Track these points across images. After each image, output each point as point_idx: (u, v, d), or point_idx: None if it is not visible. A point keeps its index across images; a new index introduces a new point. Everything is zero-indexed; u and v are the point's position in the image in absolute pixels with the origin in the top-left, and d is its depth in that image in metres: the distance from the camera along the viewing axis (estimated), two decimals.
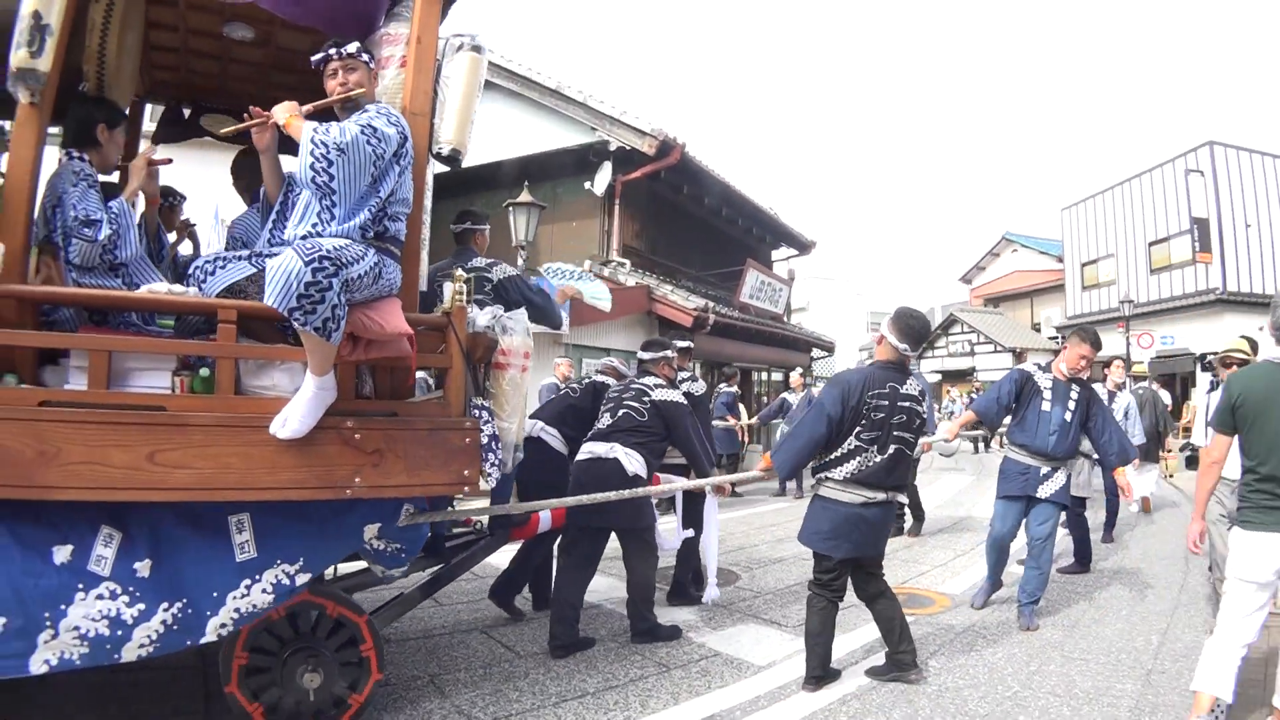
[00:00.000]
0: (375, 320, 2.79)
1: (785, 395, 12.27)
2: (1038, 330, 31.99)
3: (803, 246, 22.60)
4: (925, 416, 4.29)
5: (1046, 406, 5.11)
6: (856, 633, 4.80)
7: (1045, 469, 5.09)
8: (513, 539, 4.64)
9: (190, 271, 2.93)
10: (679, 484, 4.93)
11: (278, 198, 3.28)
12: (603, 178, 13.77)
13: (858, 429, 3.87)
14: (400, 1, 3.54)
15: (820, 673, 3.96)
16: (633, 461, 4.52)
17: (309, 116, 3.01)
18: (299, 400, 2.74)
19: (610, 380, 5.37)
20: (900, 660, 4.04)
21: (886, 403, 3.90)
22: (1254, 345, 5.83)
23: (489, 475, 3.25)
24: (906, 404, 3.96)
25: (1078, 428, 5.12)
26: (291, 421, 2.72)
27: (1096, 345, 5.19)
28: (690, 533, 5.27)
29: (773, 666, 4.27)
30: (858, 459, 3.87)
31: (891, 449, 3.90)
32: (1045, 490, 5.09)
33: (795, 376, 12.67)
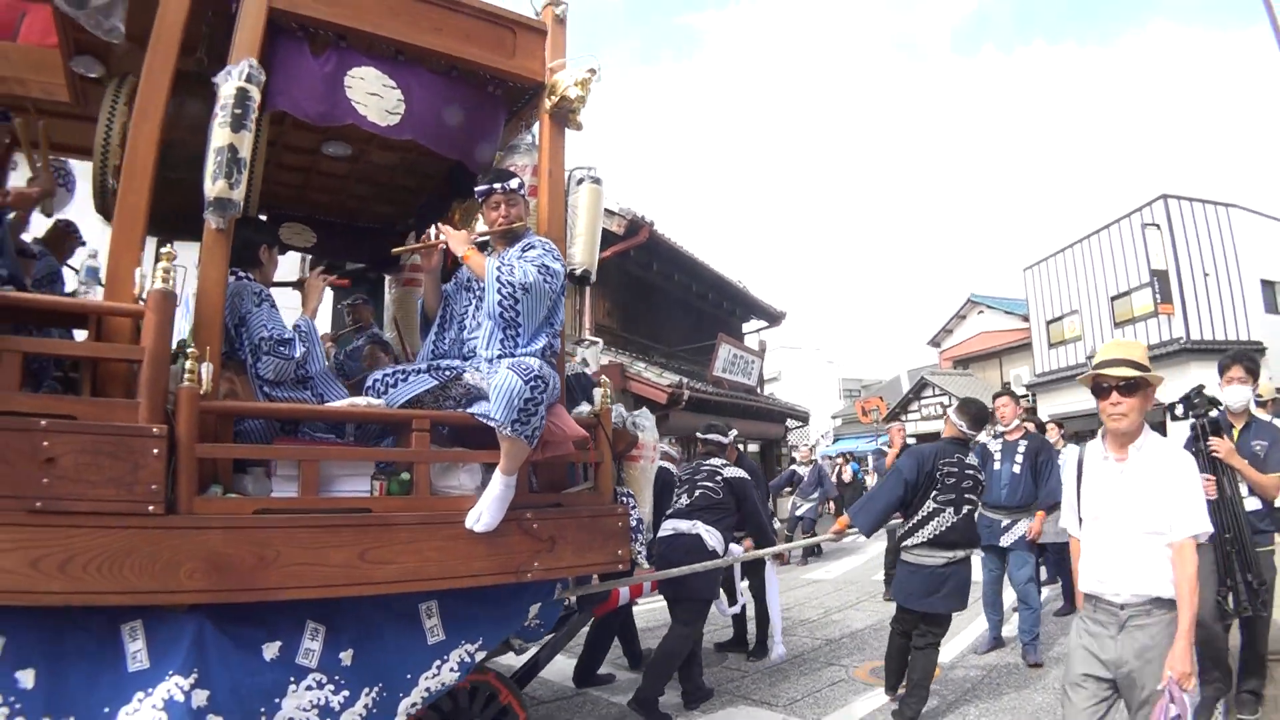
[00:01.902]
0: (556, 425, 3.30)
1: (794, 467, 12.85)
2: (1008, 389, 33.08)
3: (773, 318, 23.39)
4: (984, 482, 5.06)
5: (998, 465, 6.19)
6: (869, 695, 5.21)
7: (1005, 520, 6.09)
8: (595, 614, 5.04)
9: (370, 384, 3.38)
10: (762, 551, 5.51)
11: (437, 312, 3.72)
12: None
13: (934, 492, 4.64)
14: (516, 136, 4.14)
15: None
16: (712, 537, 5.08)
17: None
18: (489, 497, 3.21)
19: (671, 466, 5.91)
20: (901, 711, 4.73)
21: (956, 470, 4.69)
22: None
23: (638, 554, 3.71)
24: (970, 472, 4.79)
25: (1029, 477, 6.10)
26: (485, 516, 3.19)
27: (1012, 395, 6.71)
28: (743, 600, 5.94)
29: None
30: (935, 520, 4.62)
31: (965, 510, 4.68)
32: (1007, 539, 6.09)
33: (804, 450, 13.28)
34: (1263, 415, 4.43)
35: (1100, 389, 3.00)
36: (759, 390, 20.61)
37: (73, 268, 3.99)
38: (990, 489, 5.93)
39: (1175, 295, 22.65)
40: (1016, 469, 6.12)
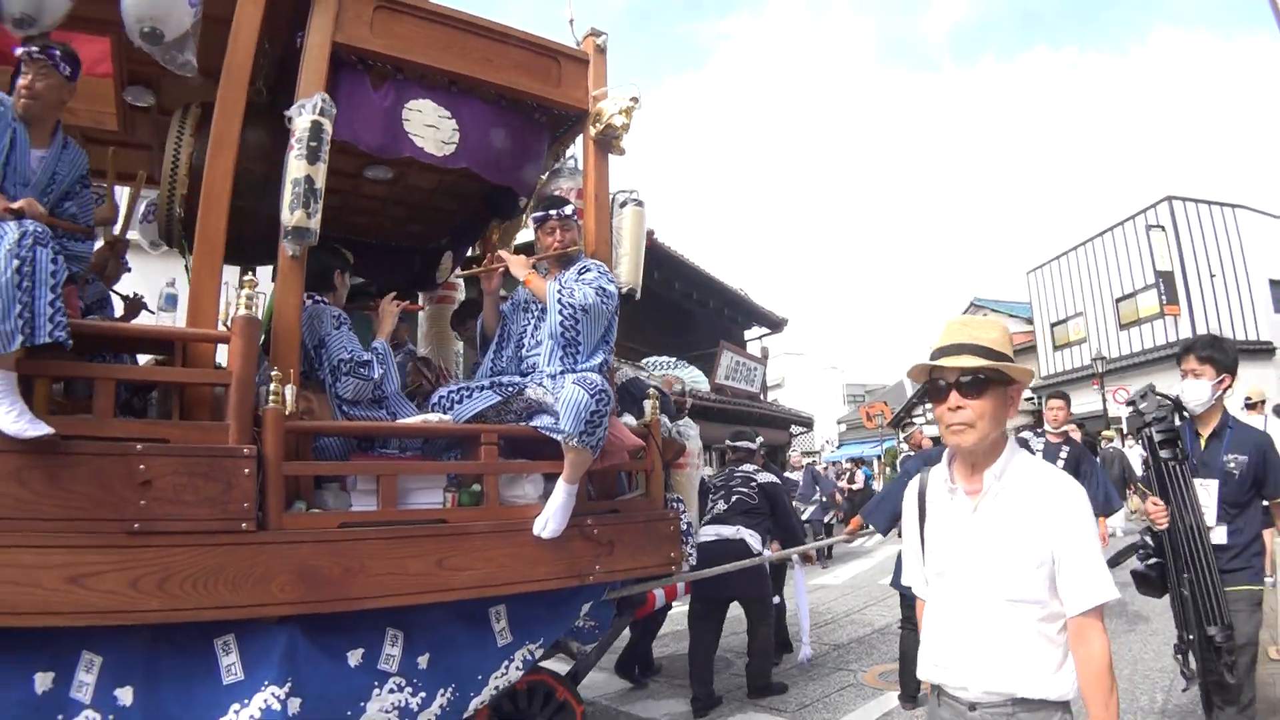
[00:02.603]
0: (614, 435, 3.51)
1: (787, 474, 13.08)
2: None
3: (775, 324, 23.64)
4: None
5: None
6: (878, 700, 5.37)
7: None
8: (637, 616, 5.27)
9: (435, 401, 3.59)
10: (789, 551, 5.80)
11: (496, 330, 3.94)
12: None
13: None
14: (557, 160, 4.44)
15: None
16: (754, 540, 5.39)
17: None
18: (554, 505, 3.43)
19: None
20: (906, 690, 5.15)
21: None
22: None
23: (688, 556, 3.93)
24: None
25: None
26: (551, 523, 3.41)
27: (1065, 399, 6.57)
28: (777, 600, 6.20)
29: None
30: None
31: None
32: None
33: (795, 455, 13.49)
34: (1253, 417, 4.52)
35: (936, 388, 2.06)
36: (762, 397, 20.85)
37: (119, 293, 4.18)
38: None
39: (1181, 296, 22.92)
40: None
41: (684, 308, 19.05)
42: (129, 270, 4.29)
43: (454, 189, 5.09)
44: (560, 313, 3.60)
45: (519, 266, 3.79)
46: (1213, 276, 23.08)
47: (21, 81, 3.05)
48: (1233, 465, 3.46)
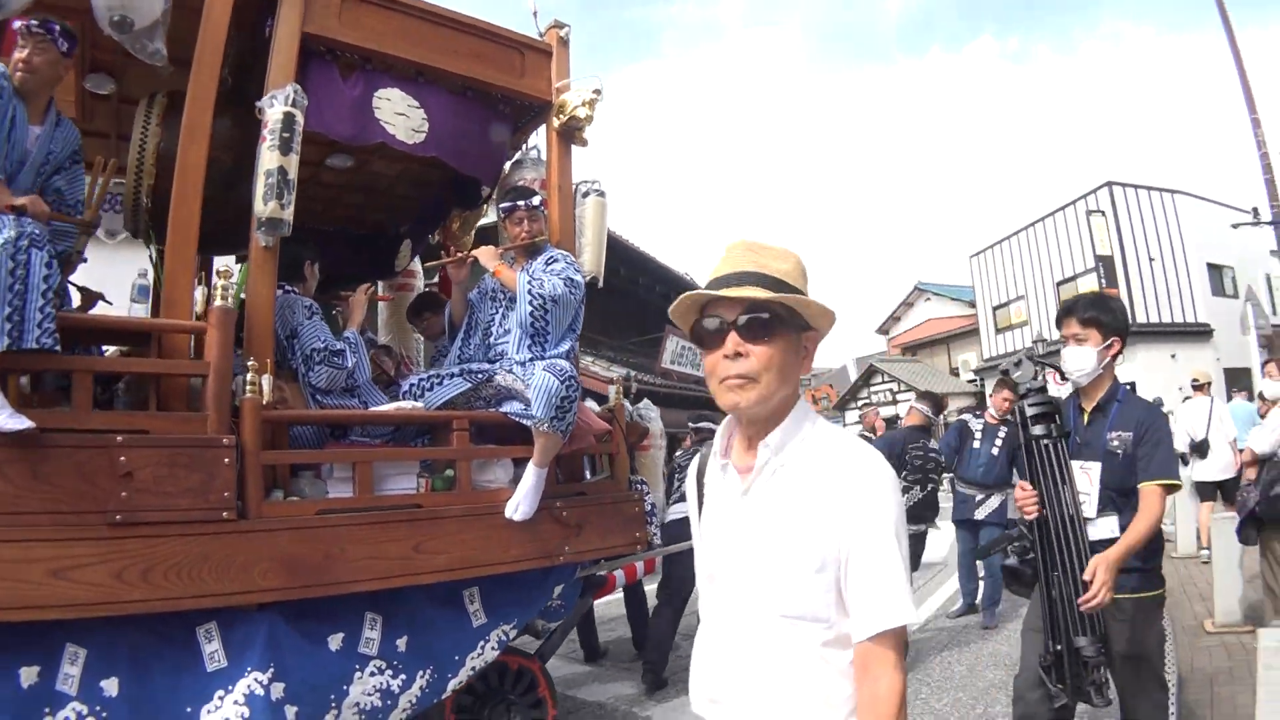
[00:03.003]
0: (582, 420, 3.65)
1: None
2: (956, 375, 34.09)
3: None
4: (944, 463, 5.86)
5: (977, 444, 6.71)
6: None
7: (979, 495, 6.63)
8: (596, 597, 5.41)
9: (406, 389, 3.69)
10: None
11: (463, 319, 4.06)
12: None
13: (904, 473, 5.32)
14: (522, 152, 4.58)
15: None
16: None
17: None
18: (524, 488, 3.56)
19: None
20: None
21: (921, 453, 5.40)
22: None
23: (653, 536, 4.09)
24: (933, 455, 5.52)
25: (1005, 460, 6.59)
26: (523, 506, 3.54)
27: (1013, 389, 6.55)
28: None
29: None
30: (905, 497, 5.23)
31: (929, 488, 5.41)
32: (981, 512, 6.60)
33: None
34: (1201, 399, 4.81)
35: (707, 330, 1.56)
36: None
37: (75, 284, 4.17)
38: (968, 466, 6.66)
39: (1121, 280, 23.64)
40: (995, 450, 6.64)
41: (629, 293, 19.15)
42: (84, 261, 4.29)
43: (416, 177, 5.16)
44: (530, 303, 3.71)
45: (488, 257, 3.89)
46: (1152, 260, 23.87)
47: (18, 55, 3.03)
48: (1116, 444, 2.98)
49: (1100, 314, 3.07)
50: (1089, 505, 2.98)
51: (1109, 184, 24.21)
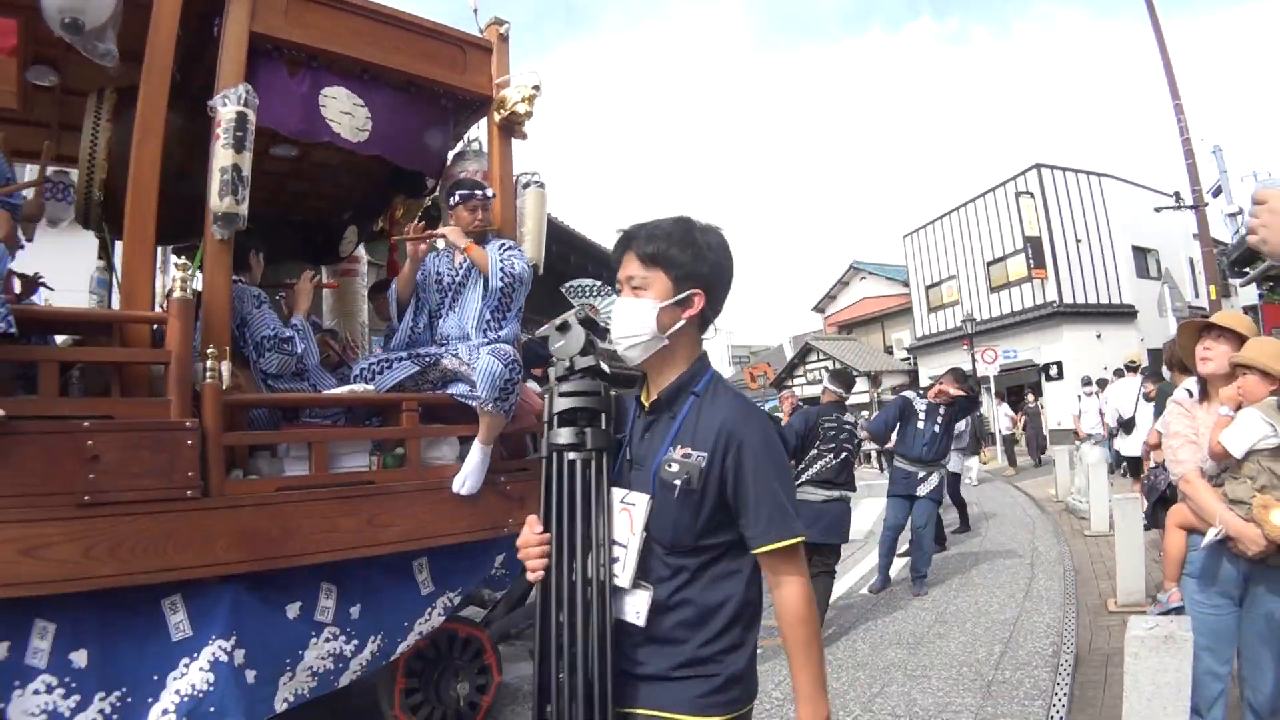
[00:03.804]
0: (524, 400, 3.96)
1: None
2: (890, 353, 34.95)
3: None
4: (857, 434, 6.26)
5: (921, 424, 7.15)
6: None
7: (921, 473, 7.10)
8: None
9: (357, 372, 3.94)
10: None
11: (409, 299, 4.30)
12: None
13: (818, 443, 5.82)
14: (464, 144, 4.83)
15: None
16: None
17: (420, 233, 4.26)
18: (470, 464, 3.85)
19: None
20: None
21: (834, 425, 5.87)
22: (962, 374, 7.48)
23: None
24: (847, 427, 5.97)
25: (945, 438, 7.16)
26: (469, 481, 3.83)
27: (964, 379, 7.34)
28: None
29: None
30: (817, 465, 5.78)
31: (843, 456, 5.83)
32: (923, 489, 7.08)
33: None
34: (1129, 381, 5.13)
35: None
36: None
37: (14, 271, 4.28)
38: (911, 444, 7.12)
39: (1049, 260, 24.43)
40: (937, 429, 7.10)
41: (560, 271, 19.24)
42: (22, 247, 4.42)
43: (358, 167, 5.29)
44: (501, 280, 3.96)
45: (457, 236, 4.11)
46: (1078, 242, 24.71)
47: None
48: (676, 469, 1.73)
49: (672, 248, 1.79)
50: (622, 568, 1.73)
51: (1038, 166, 25.00)
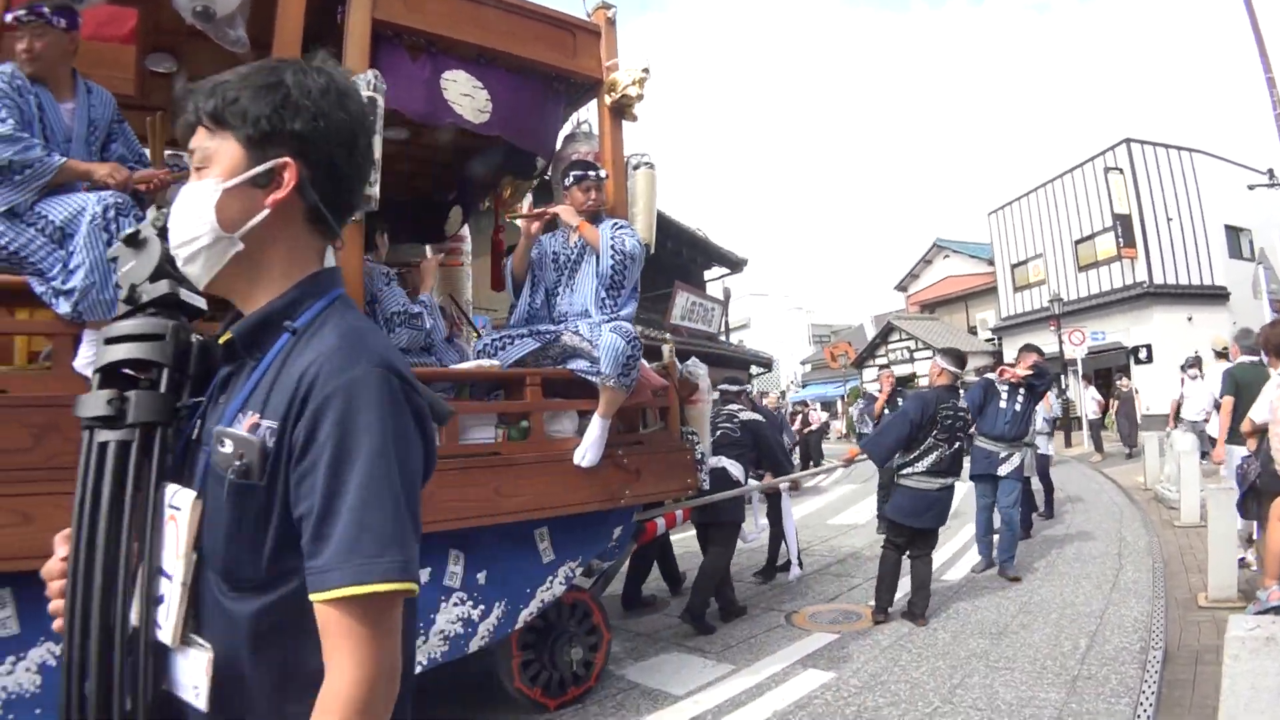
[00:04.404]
0: (642, 376, 4.09)
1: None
2: (974, 333, 34.31)
3: (734, 265, 24.09)
4: (971, 420, 6.22)
5: (1003, 403, 7.20)
6: (802, 641, 5.40)
7: (1003, 452, 7.13)
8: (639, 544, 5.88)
9: (479, 348, 4.11)
10: (775, 481, 6.58)
11: (525, 275, 4.46)
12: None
13: (935, 431, 5.66)
14: (574, 126, 4.95)
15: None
16: (735, 469, 6.09)
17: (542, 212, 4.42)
18: (591, 437, 4.00)
19: None
20: (911, 610, 5.71)
21: (951, 413, 5.71)
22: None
23: (703, 483, 4.63)
24: (962, 414, 5.84)
25: (1027, 414, 7.22)
26: (590, 454, 3.99)
27: (1041, 355, 7.44)
28: (767, 525, 7.09)
29: (690, 696, 4.44)
30: (934, 454, 5.64)
31: (955, 446, 5.71)
32: (1005, 469, 7.10)
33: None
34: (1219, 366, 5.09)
35: None
36: (723, 337, 21.37)
37: None
38: (994, 423, 7.14)
39: (1139, 239, 23.68)
40: (1019, 408, 7.16)
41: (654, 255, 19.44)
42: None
43: (465, 148, 5.48)
44: (612, 258, 4.13)
45: (569, 214, 4.28)
46: (1169, 220, 23.89)
47: (20, 46, 3.10)
48: (230, 448, 1.07)
49: (242, 97, 1.15)
50: (165, 614, 1.11)
51: (1127, 141, 24.22)
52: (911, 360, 33.56)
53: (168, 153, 4.66)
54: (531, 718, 4.18)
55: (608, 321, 4.06)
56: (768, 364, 24.62)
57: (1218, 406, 9.53)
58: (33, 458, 2.76)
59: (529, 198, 5.92)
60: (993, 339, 31.72)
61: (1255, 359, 6.88)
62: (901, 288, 41.33)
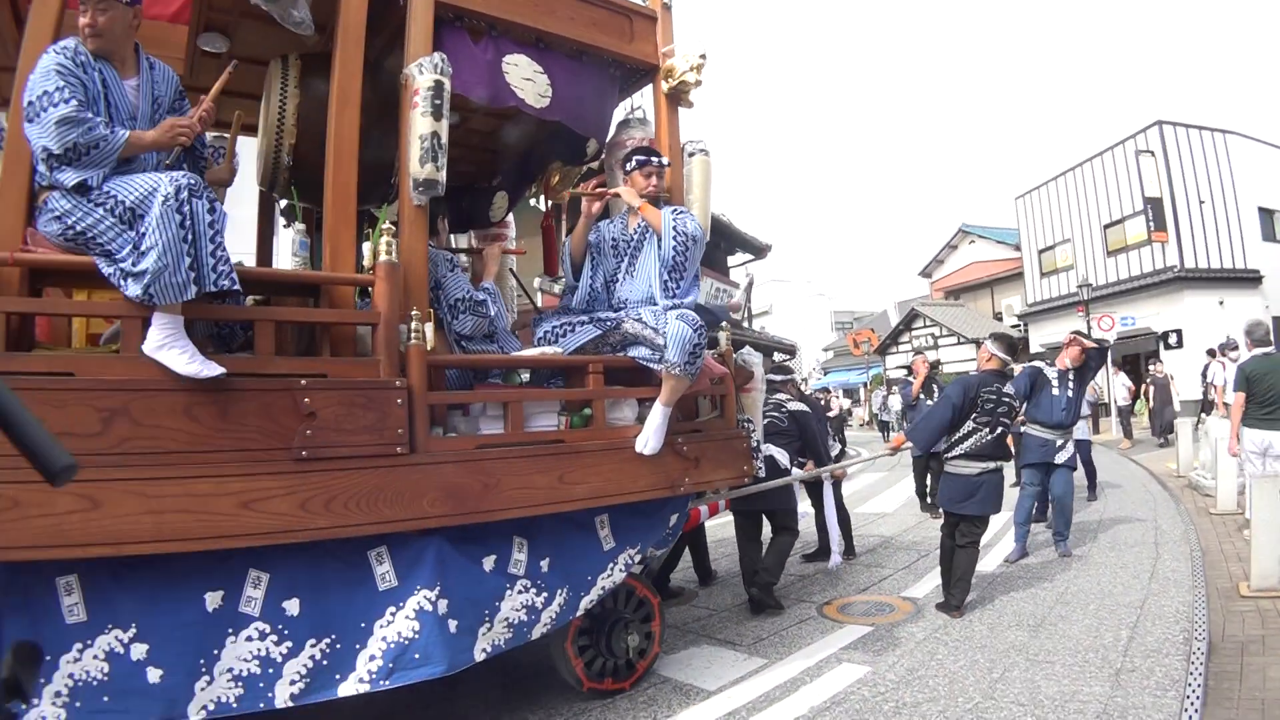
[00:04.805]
0: (705, 365, 4.08)
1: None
2: (999, 320, 34.10)
3: (758, 251, 23.97)
4: (1017, 407, 6.28)
5: (1055, 391, 7.28)
6: (836, 634, 5.30)
7: (1059, 440, 7.23)
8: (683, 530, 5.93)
9: (540, 335, 4.13)
10: (819, 470, 6.59)
11: (583, 256, 4.49)
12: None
13: (975, 414, 5.66)
14: (628, 111, 4.97)
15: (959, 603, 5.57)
16: (782, 457, 6.11)
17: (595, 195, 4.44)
18: (652, 425, 3.99)
19: None
20: (948, 601, 5.66)
21: (994, 397, 5.70)
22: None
23: (758, 469, 4.70)
24: (1006, 399, 5.79)
25: (1079, 402, 7.32)
26: (651, 442, 3.98)
27: (1088, 339, 7.48)
28: (809, 513, 7.18)
29: (723, 691, 4.35)
30: (973, 438, 5.65)
31: (999, 430, 5.69)
32: (1061, 456, 7.23)
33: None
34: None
35: None
36: (745, 324, 21.32)
37: None
38: (1048, 411, 7.22)
39: (1170, 223, 23.44)
40: (1070, 394, 7.25)
41: None
42: None
43: (509, 133, 5.48)
44: (675, 239, 4.12)
45: (630, 195, 4.27)
46: (1202, 203, 23.62)
47: (83, 21, 3.07)
48: None
49: None
50: None
51: (1159, 123, 23.93)
52: (935, 346, 33.40)
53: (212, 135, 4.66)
54: (558, 710, 4.15)
55: (673, 308, 4.04)
56: (791, 350, 24.52)
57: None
58: (102, 442, 2.77)
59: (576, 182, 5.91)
60: (1019, 325, 31.52)
61: (1269, 349, 7.18)
62: (926, 274, 41.14)
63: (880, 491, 12.63)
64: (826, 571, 7.04)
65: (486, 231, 6.09)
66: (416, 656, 3.27)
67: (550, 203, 6.17)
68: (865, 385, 36.10)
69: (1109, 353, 7.90)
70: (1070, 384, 7.28)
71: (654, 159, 4.29)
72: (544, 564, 3.80)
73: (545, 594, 3.77)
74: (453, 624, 3.39)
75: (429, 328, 3.51)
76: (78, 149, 2.87)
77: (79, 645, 2.80)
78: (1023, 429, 7.62)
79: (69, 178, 2.89)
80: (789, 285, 49.44)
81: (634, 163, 4.30)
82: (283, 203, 5.06)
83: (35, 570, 2.75)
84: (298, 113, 4.06)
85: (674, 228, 4.12)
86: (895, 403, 30.04)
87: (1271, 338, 7.87)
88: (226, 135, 4.23)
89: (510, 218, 6.14)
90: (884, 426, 28.64)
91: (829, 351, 44.42)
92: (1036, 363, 7.71)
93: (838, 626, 5.46)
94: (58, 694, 2.73)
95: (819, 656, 4.82)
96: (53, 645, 2.76)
